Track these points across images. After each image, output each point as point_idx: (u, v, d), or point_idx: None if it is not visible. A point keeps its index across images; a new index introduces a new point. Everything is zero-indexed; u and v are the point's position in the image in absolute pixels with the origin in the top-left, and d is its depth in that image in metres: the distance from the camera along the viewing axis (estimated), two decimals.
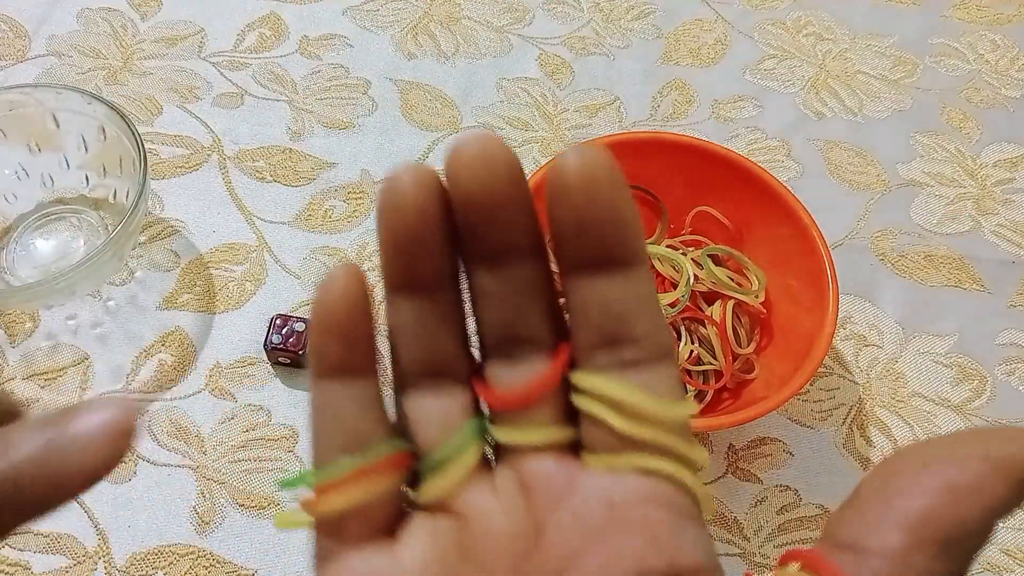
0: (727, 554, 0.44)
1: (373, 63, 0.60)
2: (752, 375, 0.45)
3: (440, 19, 0.63)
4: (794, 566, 0.18)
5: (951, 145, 0.59)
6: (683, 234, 0.50)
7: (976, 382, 0.50)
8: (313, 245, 0.52)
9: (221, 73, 0.59)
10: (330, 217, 0.53)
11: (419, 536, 0.19)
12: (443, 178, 0.18)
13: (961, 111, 0.61)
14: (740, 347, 0.46)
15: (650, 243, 0.49)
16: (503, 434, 0.19)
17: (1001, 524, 0.51)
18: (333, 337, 0.18)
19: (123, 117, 0.46)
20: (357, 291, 0.18)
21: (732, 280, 0.47)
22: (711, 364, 0.45)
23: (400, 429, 0.20)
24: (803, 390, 0.46)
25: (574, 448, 0.19)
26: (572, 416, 0.19)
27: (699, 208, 0.49)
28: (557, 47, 0.62)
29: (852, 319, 0.51)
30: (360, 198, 0.54)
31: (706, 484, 0.45)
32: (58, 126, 0.48)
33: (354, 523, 0.19)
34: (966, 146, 0.59)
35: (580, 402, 0.18)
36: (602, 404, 0.18)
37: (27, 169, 0.49)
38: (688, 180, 0.48)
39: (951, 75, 0.63)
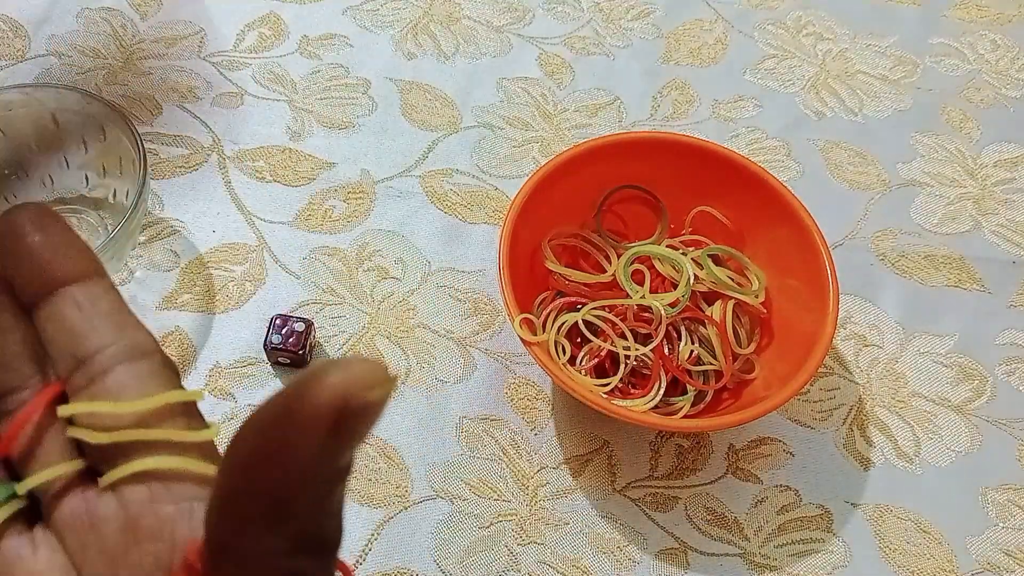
0: (727, 554, 0.44)
1: (373, 63, 0.60)
2: (752, 375, 0.45)
3: (440, 19, 0.63)
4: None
5: (951, 145, 0.59)
6: (683, 234, 0.50)
7: (976, 382, 0.50)
8: (313, 245, 0.52)
9: (221, 73, 0.59)
10: (330, 217, 0.53)
11: None
12: None
13: (961, 111, 0.61)
14: (740, 347, 0.46)
15: (650, 243, 0.49)
16: (19, 486, 0.19)
17: (1001, 524, 0.50)
18: None
19: (123, 117, 0.46)
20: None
21: (732, 280, 0.47)
22: (711, 364, 0.45)
23: None
24: (803, 390, 0.45)
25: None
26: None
27: (699, 208, 0.49)
28: (557, 47, 0.62)
29: (852, 319, 0.51)
30: (360, 198, 0.54)
31: (706, 484, 0.46)
32: (58, 126, 0.48)
33: None
34: (966, 146, 0.59)
35: (70, 431, 0.19)
36: (79, 425, 0.18)
37: (27, 169, 0.49)
38: (688, 180, 0.48)
39: (951, 75, 0.63)
